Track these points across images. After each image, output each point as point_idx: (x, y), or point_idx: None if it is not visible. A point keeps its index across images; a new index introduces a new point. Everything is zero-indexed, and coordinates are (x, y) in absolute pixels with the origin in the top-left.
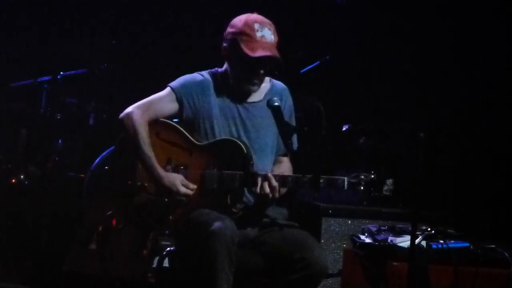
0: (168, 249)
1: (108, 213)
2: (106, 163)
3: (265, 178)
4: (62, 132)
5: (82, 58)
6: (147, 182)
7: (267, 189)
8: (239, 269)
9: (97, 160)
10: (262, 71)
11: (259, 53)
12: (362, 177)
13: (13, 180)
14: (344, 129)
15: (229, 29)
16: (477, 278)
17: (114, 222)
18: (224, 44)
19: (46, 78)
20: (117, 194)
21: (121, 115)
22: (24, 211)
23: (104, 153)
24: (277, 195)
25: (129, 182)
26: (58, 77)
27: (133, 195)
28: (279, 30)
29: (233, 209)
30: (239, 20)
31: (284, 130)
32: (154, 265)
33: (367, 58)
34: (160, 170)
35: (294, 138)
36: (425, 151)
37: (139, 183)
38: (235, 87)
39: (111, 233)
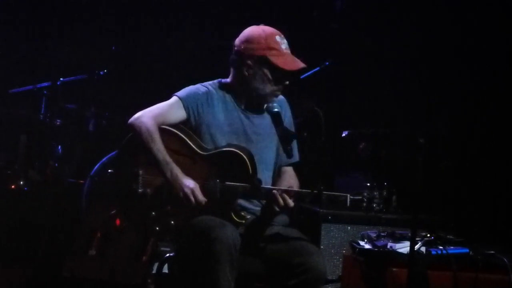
0: (168, 254)
1: (112, 212)
2: (109, 168)
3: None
4: (62, 138)
5: (82, 63)
6: (150, 188)
7: (282, 203)
8: (238, 274)
9: (96, 166)
10: (287, 82)
11: (294, 66)
12: (365, 194)
13: (13, 186)
14: (344, 134)
15: (249, 45)
16: (476, 284)
17: (117, 221)
18: (249, 62)
19: (45, 84)
20: (121, 199)
21: (131, 120)
22: (24, 216)
23: (104, 159)
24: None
25: (133, 186)
26: (58, 83)
27: (136, 200)
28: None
29: (236, 219)
30: (259, 36)
31: (284, 136)
32: (154, 271)
33: (366, 63)
34: (177, 168)
35: (295, 145)
36: (425, 157)
37: (141, 190)
38: (253, 101)
39: (111, 238)
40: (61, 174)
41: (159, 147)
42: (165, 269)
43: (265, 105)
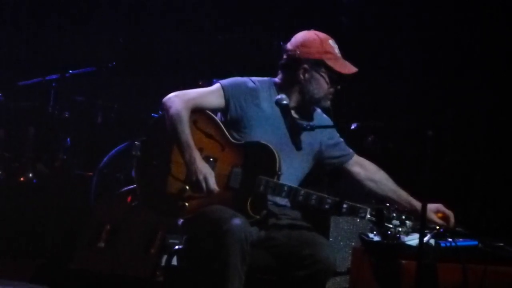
0: (177, 247)
1: (123, 189)
2: (118, 159)
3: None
4: (70, 130)
5: (90, 56)
6: (174, 166)
7: None
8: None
9: (105, 159)
10: (339, 87)
11: (349, 69)
12: (385, 212)
13: (22, 178)
14: (352, 127)
15: (305, 49)
16: (485, 276)
17: (129, 198)
18: (305, 66)
19: (54, 76)
20: (141, 170)
21: (165, 98)
22: (32, 209)
23: (112, 152)
24: None
25: (154, 162)
26: (67, 75)
27: (154, 176)
28: (286, 30)
29: (250, 213)
30: (314, 40)
31: (293, 128)
32: (163, 263)
33: (375, 56)
34: (197, 153)
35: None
36: (433, 149)
37: (165, 164)
38: (304, 105)
39: (120, 231)
40: (70, 166)
41: (184, 128)
42: (174, 262)
43: (275, 98)
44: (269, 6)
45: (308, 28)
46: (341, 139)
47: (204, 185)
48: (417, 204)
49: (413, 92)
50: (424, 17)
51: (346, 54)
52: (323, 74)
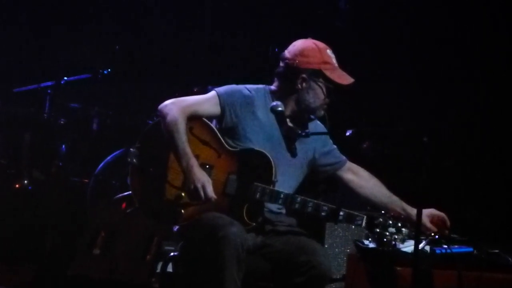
0: (172, 254)
1: (118, 196)
2: (114, 165)
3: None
4: (66, 137)
5: (86, 63)
6: (171, 173)
7: None
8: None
9: (100, 165)
10: (334, 96)
11: (346, 80)
12: (381, 219)
13: (17, 185)
14: (348, 133)
15: (304, 59)
16: (481, 283)
17: (123, 205)
18: (303, 75)
19: (49, 83)
20: (136, 177)
21: (161, 105)
22: (28, 216)
23: (108, 158)
24: None
25: (151, 169)
26: (62, 82)
27: (149, 182)
28: (282, 36)
29: (246, 220)
30: (313, 49)
31: (288, 135)
32: (158, 270)
33: (371, 62)
34: (194, 160)
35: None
36: (429, 155)
37: (161, 171)
38: (300, 114)
39: (115, 237)
40: (65, 173)
41: (181, 136)
42: (170, 268)
43: (270, 105)
44: (264, 12)
45: (303, 34)
46: (334, 146)
47: (202, 193)
48: (411, 211)
49: (409, 97)
50: (420, 20)
51: (342, 59)
52: (320, 84)
